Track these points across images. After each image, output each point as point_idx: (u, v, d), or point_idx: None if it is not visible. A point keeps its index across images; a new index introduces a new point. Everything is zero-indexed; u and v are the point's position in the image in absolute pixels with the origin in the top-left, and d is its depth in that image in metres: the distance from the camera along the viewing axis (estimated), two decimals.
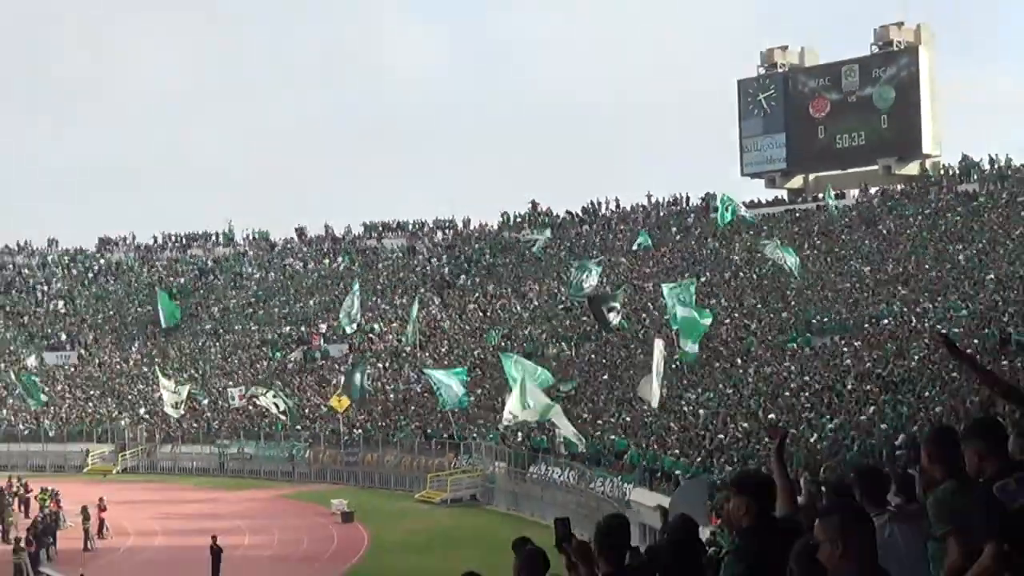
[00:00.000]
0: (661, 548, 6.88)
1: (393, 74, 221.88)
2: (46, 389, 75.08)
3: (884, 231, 70.91)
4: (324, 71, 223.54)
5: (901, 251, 66.26)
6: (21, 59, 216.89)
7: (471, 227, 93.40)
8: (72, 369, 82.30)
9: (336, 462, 64.15)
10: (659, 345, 47.09)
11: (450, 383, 56.97)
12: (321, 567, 43.96)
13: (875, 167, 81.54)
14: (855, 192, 79.84)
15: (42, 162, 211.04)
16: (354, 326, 75.42)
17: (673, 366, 54.11)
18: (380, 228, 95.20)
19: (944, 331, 43.79)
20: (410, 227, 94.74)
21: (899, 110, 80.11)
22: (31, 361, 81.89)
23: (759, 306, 64.24)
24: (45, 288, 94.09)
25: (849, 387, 46.47)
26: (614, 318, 60.19)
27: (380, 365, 73.36)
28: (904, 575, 6.62)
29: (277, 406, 64.15)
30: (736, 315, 63.74)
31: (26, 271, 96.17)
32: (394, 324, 77.63)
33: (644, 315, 66.43)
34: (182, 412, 68.45)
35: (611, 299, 61.06)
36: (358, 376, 64.13)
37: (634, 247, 77.19)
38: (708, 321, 53.85)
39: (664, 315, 57.27)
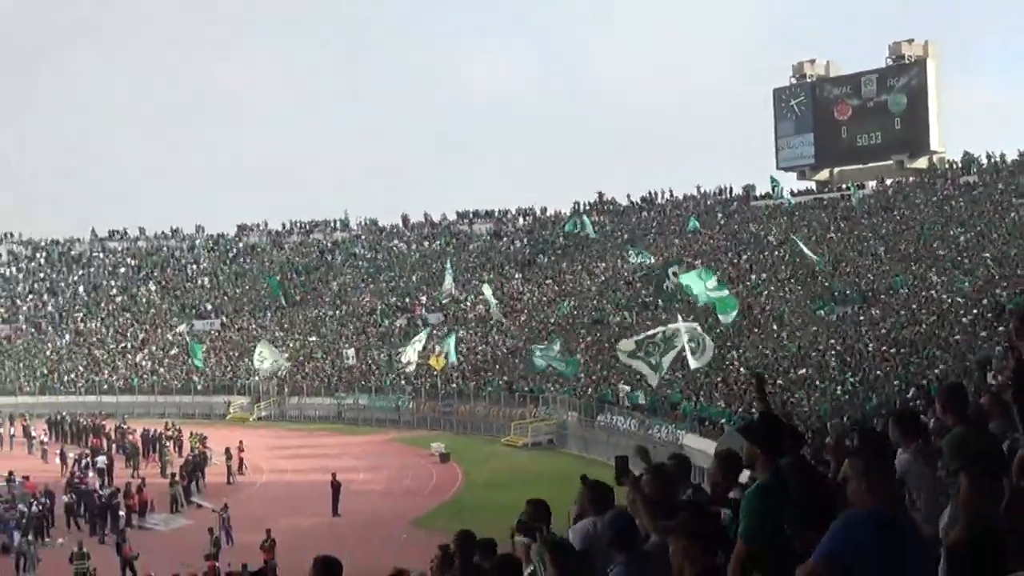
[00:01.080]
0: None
1: (479, 87, 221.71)
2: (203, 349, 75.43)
3: (898, 216, 70.41)
4: (421, 85, 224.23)
5: (912, 233, 65.70)
6: (177, 75, 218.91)
7: (547, 214, 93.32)
8: (216, 334, 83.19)
9: (435, 411, 64.38)
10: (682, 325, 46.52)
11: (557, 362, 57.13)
12: (423, 499, 44.36)
13: (890, 162, 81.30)
14: (873, 183, 79.67)
15: (192, 162, 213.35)
16: (449, 297, 75.95)
17: (718, 331, 54.00)
18: (471, 215, 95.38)
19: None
20: (496, 214, 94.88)
21: (910, 113, 79.98)
22: (182, 328, 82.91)
23: (791, 279, 63.90)
24: (194, 267, 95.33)
25: (868, 348, 46.26)
26: (669, 287, 60.04)
27: (470, 331, 73.71)
28: (926, 493, 6.98)
29: (413, 353, 63.31)
30: (772, 287, 63.46)
31: (178, 253, 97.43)
32: (482, 296, 77.77)
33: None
34: (282, 372, 68.50)
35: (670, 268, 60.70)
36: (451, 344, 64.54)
37: (688, 229, 77.23)
38: (725, 292, 52.59)
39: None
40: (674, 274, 58.62)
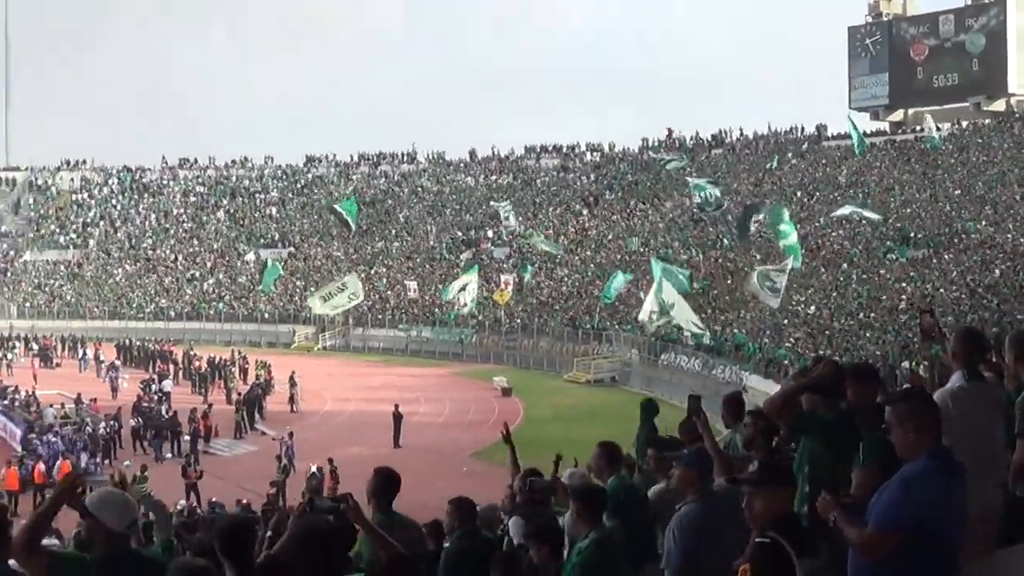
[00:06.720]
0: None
1: (551, 25, 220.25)
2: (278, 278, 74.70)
3: (973, 159, 69.08)
4: (499, 24, 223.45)
5: (988, 176, 64.56)
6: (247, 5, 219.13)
7: (616, 150, 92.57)
8: (282, 264, 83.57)
9: (498, 346, 64.48)
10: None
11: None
12: (484, 432, 44.23)
13: (966, 104, 79.81)
14: (948, 125, 78.10)
15: (262, 92, 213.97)
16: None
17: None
18: (538, 150, 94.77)
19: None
20: (564, 149, 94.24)
21: (988, 54, 78.45)
22: (250, 256, 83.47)
23: (862, 222, 62.95)
24: (262, 196, 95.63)
25: (939, 292, 45.57)
26: (753, 228, 59.24)
27: (536, 267, 73.41)
28: (983, 428, 6.33)
29: (468, 294, 62.54)
30: (842, 229, 62.56)
31: (247, 182, 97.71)
32: (549, 232, 77.32)
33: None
34: (337, 313, 66.39)
35: (757, 212, 59.72)
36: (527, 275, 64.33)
37: (768, 167, 76.50)
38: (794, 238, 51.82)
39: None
40: (757, 222, 58.13)
